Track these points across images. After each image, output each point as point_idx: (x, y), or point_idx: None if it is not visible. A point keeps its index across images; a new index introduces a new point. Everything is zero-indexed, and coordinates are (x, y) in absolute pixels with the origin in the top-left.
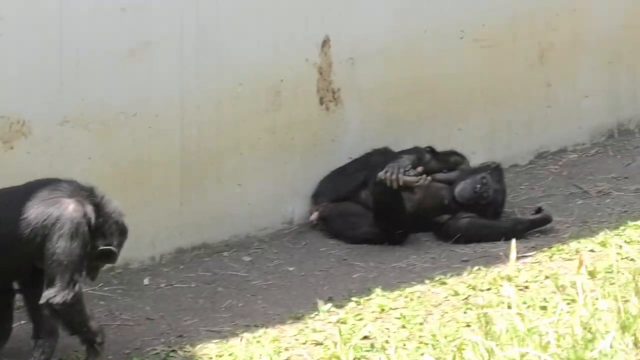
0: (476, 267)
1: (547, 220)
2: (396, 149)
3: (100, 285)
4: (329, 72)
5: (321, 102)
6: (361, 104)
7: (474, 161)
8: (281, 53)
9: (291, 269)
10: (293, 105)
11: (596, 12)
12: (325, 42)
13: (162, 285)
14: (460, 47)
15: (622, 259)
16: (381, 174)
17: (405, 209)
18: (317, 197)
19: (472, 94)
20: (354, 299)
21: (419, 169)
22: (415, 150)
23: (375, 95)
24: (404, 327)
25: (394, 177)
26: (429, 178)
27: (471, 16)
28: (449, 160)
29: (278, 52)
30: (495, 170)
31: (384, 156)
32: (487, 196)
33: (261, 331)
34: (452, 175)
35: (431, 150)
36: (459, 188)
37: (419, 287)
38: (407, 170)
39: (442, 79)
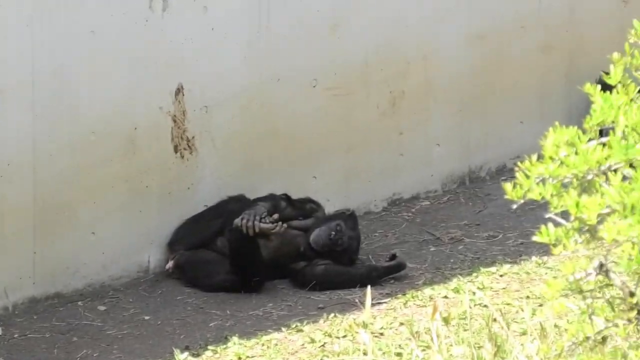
0: (332, 314)
1: (401, 266)
2: (252, 196)
3: None
4: (183, 120)
5: (176, 150)
6: (216, 151)
7: (329, 208)
8: (135, 101)
9: (147, 317)
10: (148, 153)
11: (446, 61)
12: (179, 90)
13: (16, 335)
14: (313, 95)
15: (475, 305)
16: (237, 221)
17: (262, 257)
18: (173, 245)
19: (326, 142)
20: (210, 347)
21: (275, 216)
22: (270, 198)
23: (230, 143)
24: None
25: (249, 224)
26: (285, 225)
27: (323, 65)
28: (305, 208)
29: (132, 100)
30: (349, 217)
31: (240, 203)
32: (342, 243)
33: None
34: (308, 222)
35: (287, 198)
36: (313, 235)
37: (275, 335)
38: (263, 218)
39: (296, 126)
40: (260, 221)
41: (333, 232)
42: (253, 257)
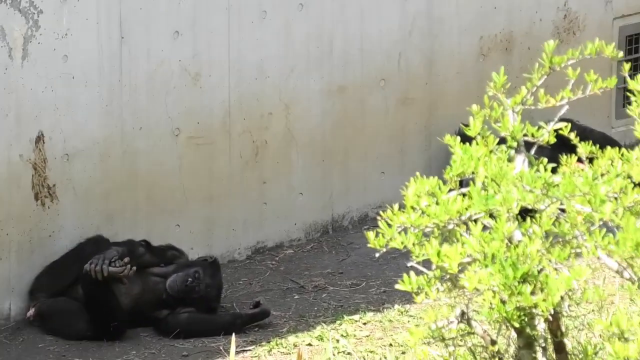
0: None
1: (265, 314)
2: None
3: None
4: (44, 167)
5: (36, 197)
6: (77, 199)
7: (193, 256)
8: None
9: None
10: (7, 201)
11: (308, 111)
12: (40, 138)
13: None
14: (175, 145)
15: (339, 352)
16: (86, 266)
17: (118, 302)
18: (34, 293)
19: (189, 190)
20: None
21: (126, 259)
22: (128, 243)
23: (91, 191)
24: None
25: (97, 268)
26: (134, 268)
27: (185, 114)
28: (166, 255)
29: None
30: (210, 265)
31: (96, 245)
32: (198, 290)
33: None
34: (169, 269)
35: (146, 244)
36: (169, 281)
37: None
38: (113, 261)
39: (158, 175)
40: (109, 265)
41: (190, 279)
42: (107, 303)
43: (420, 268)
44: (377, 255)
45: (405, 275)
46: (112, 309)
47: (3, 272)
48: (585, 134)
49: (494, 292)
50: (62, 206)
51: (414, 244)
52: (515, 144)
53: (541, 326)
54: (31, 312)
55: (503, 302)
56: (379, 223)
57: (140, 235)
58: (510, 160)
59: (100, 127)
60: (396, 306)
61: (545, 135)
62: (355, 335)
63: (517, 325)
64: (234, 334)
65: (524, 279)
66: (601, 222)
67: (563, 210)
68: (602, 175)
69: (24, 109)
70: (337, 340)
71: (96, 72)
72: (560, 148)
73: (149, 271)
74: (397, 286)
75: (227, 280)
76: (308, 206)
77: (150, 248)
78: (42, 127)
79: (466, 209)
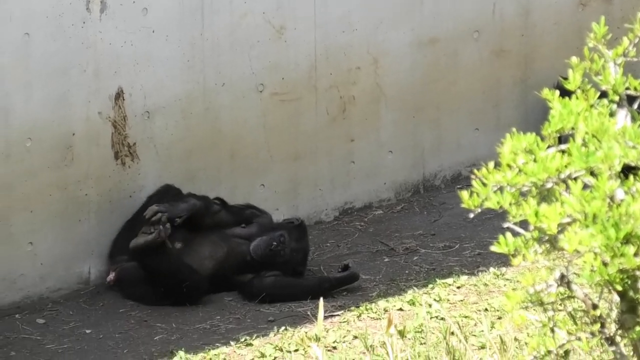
0: (283, 328)
1: (354, 278)
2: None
3: None
4: (124, 125)
5: (116, 156)
6: (158, 158)
7: (278, 217)
8: (72, 106)
9: (88, 331)
10: (86, 161)
11: (398, 65)
12: (119, 95)
13: None
14: (260, 101)
15: (431, 318)
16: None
17: (193, 266)
18: (113, 256)
19: (273, 149)
20: None
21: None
22: (201, 198)
23: (172, 149)
24: None
25: (141, 241)
26: (168, 226)
27: (269, 69)
28: (244, 214)
29: (68, 105)
30: (297, 227)
31: (165, 197)
32: (284, 254)
33: None
34: (252, 230)
35: (221, 202)
36: (253, 245)
37: (223, 349)
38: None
39: (241, 132)
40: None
41: (274, 243)
42: (182, 269)
43: (517, 229)
44: (471, 215)
45: (501, 236)
46: (190, 273)
47: (82, 234)
48: None
49: (595, 253)
50: (142, 165)
51: (510, 204)
52: (617, 98)
53: None
54: (111, 276)
55: (605, 264)
56: (473, 182)
57: (223, 196)
58: (612, 115)
59: (181, 83)
60: (491, 269)
61: None
62: (448, 300)
63: (619, 288)
64: (321, 299)
65: (626, 240)
66: None
67: None
68: None
69: (103, 65)
70: (430, 305)
71: (177, 25)
72: None
73: (231, 232)
74: (492, 248)
75: (314, 243)
76: (398, 164)
77: (225, 206)
78: (122, 83)
79: (565, 166)
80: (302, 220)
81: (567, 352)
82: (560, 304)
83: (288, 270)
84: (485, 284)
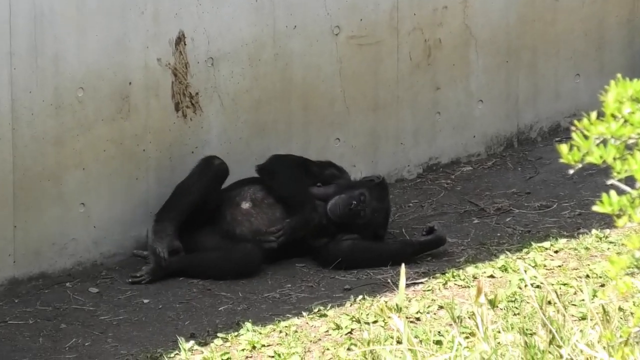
0: (360, 297)
1: (440, 241)
2: (265, 159)
3: None
4: (186, 73)
5: (177, 108)
6: (223, 110)
7: (355, 175)
8: (128, 51)
9: (146, 301)
10: (144, 112)
11: (489, 5)
12: (180, 39)
13: None
14: (335, 45)
15: (526, 285)
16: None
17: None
18: (158, 231)
19: (351, 99)
20: (220, 335)
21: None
22: (274, 160)
23: (239, 100)
24: None
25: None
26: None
27: (346, 9)
28: (324, 173)
29: (125, 51)
30: (377, 185)
31: (207, 172)
32: (364, 215)
33: None
34: (329, 190)
35: (302, 161)
36: (331, 204)
37: (295, 321)
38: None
39: (315, 81)
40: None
41: (354, 202)
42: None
43: (623, 186)
44: (570, 172)
45: (604, 194)
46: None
47: (140, 194)
48: None
49: None
50: (206, 118)
51: (614, 159)
52: None
53: None
54: (162, 253)
55: None
56: (573, 134)
57: (295, 151)
58: None
59: (249, 26)
60: (593, 231)
61: None
62: (545, 266)
63: None
64: (403, 265)
65: None
66: None
67: None
68: None
69: (162, 6)
70: (525, 272)
71: None
72: None
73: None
74: (594, 208)
75: (396, 203)
76: (489, 115)
77: (307, 165)
78: (183, 26)
79: None
80: (383, 178)
81: None
82: None
83: (367, 233)
84: (587, 248)
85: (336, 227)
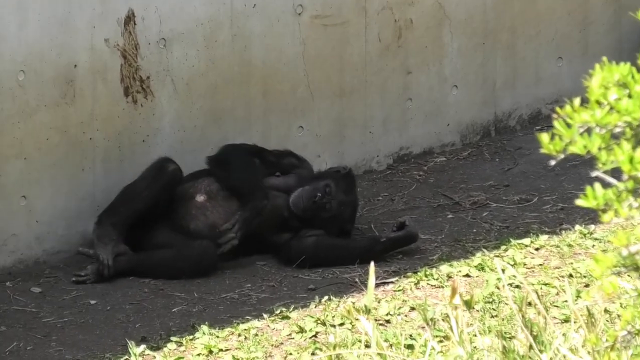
0: (325, 297)
1: (411, 238)
2: (221, 144)
3: None
4: (136, 55)
5: (127, 93)
6: (177, 95)
7: (321, 166)
8: (73, 31)
9: (93, 302)
10: (90, 97)
11: None
12: (130, 19)
13: None
14: (298, 25)
15: (504, 285)
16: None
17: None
18: (101, 234)
19: (314, 84)
20: (174, 338)
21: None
22: (229, 150)
23: (194, 85)
24: None
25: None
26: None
27: None
28: (282, 163)
29: (69, 31)
30: (344, 177)
31: (161, 176)
32: (330, 208)
33: None
34: (289, 180)
35: (258, 150)
36: (293, 196)
37: (255, 323)
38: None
39: (276, 64)
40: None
41: (319, 194)
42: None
43: (608, 179)
44: (552, 163)
45: (588, 188)
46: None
47: (87, 186)
48: None
49: None
50: (158, 103)
51: (599, 149)
52: None
53: None
54: (106, 261)
55: None
56: (555, 122)
57: (254, 140)
58: None
59: (204, 5)
60: (577, 227)
61: None
62: (525, 264)
63: None
64: (372, 263)
65: None
66: None
67: None
68: None
69: None
70: (503, 270)
71: None
72: None
73: (265, 183)
74: (578, 202)
75: (364, 196)
76: (464, 102)
77: (261, 154)
78: (133, 4)
79: None
80: (350, 169)
81: None
82: None
83: (333, 228)
84: (570, 245)
85: (299, 221)
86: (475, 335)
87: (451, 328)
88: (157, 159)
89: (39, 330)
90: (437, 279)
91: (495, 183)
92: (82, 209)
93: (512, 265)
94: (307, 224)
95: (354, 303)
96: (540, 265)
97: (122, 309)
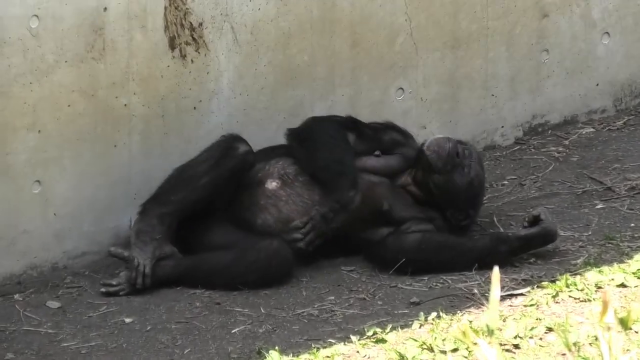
0: (434, 314)
1: (547, 235)
2: (296, 118)
3: None
4: None
5: (172, 45)
6: (239, 47)
7: (426, 139)
8: None
9: (129, 320)
10: (125, 51)
11: None
12: None
13: None
14: None
15: None
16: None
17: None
18: (144, 229)
19: (420, 32)
20: None
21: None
22: (314, 125)
23: (261, 34)
24: None
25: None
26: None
27: None
28: (382, 139)
29: None
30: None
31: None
32: (468, 172)
33: None
34: (392, 161)
35: (353, 122)
36: (430, 141)
37: (341, 348)
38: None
39: (369, 6)
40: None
41: (457, 146)
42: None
43: None
44: None
45: None
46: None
47: (121, 167)
48: None
49: None
50: (213, 59)
51: None
52: None
53: None
54: (143, 270)
55: None
56: None
57: (339, 105)
58: None
59: None
60: None
61: None
62: None
63: None
64: (496, 268)
65: None
66: None
67: None
68: None
69: None
70: None
71: None
72: None
73: (360, 164)
74: None
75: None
76: (619, 54)
77: (358, 128)
78: None
79: None
80: (472, 146)
81: None
82: None
83: (456, 214)
84: None
85: (424, 202)
86: None
87: (602, 355)
88: (223, 136)
89: (57, 357)
90: (582, 290)
91: None
92: (114, 197)
93: None
94: (429, 204)
95: (471, 322)
96: None
97: (166, 330)
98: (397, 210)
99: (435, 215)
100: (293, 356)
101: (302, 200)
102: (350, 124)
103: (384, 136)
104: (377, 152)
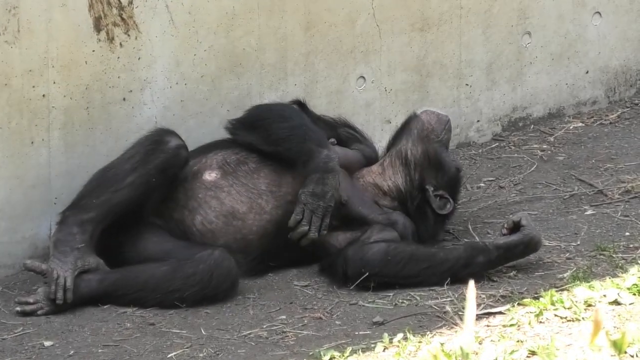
0: (400, 335)
1: (529, 244)
2: (242, 110)
3: None
4: None
5: (98, 26)
6: (175, 29)
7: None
8: None
9: (48, 343)
10: (43, 34)
11: None
12: None
13: None
14: None
15: None
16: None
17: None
18: (63, 236)
19: (384, 11)
20: None
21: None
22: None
23: (200, 15)
24: None
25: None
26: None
27: None
28: (338, 130)
29: None
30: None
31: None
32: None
33: None
34: (351, 155)
35: (300, 107)
36: (423, 109)
37: None
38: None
39: None
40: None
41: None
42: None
43: None
44: None
45: None
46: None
47: (39, 168)
48: None
49: None
50: (146, 43)
51: None
52: None
53: None
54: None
55: None
56: None
57: (291, 95)
58: None
59: None
60: None
61: None
62: None
63: None
64: (471, 282)
65: None
66: None
67: None
68: None
69: None
70: None
71: None
72: None
73: None
74: None
75: None
76: (612, 37)
77: (308, 111)
78: None
79: None
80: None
81: None
82: None
83: (426, 212)
84: None
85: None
86: None
87: None
88: (151, 130)
89: None
90: (569, 308)
91: None
92: (31, 202)
93: None
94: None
95: (442, 344)
96: None
97: (92, 354)
98: (355, 205)
99: (397, 219)
100: None
101: (248, 189)
102: (299, 107)
103: (338, 130)
104: (332, 140)
